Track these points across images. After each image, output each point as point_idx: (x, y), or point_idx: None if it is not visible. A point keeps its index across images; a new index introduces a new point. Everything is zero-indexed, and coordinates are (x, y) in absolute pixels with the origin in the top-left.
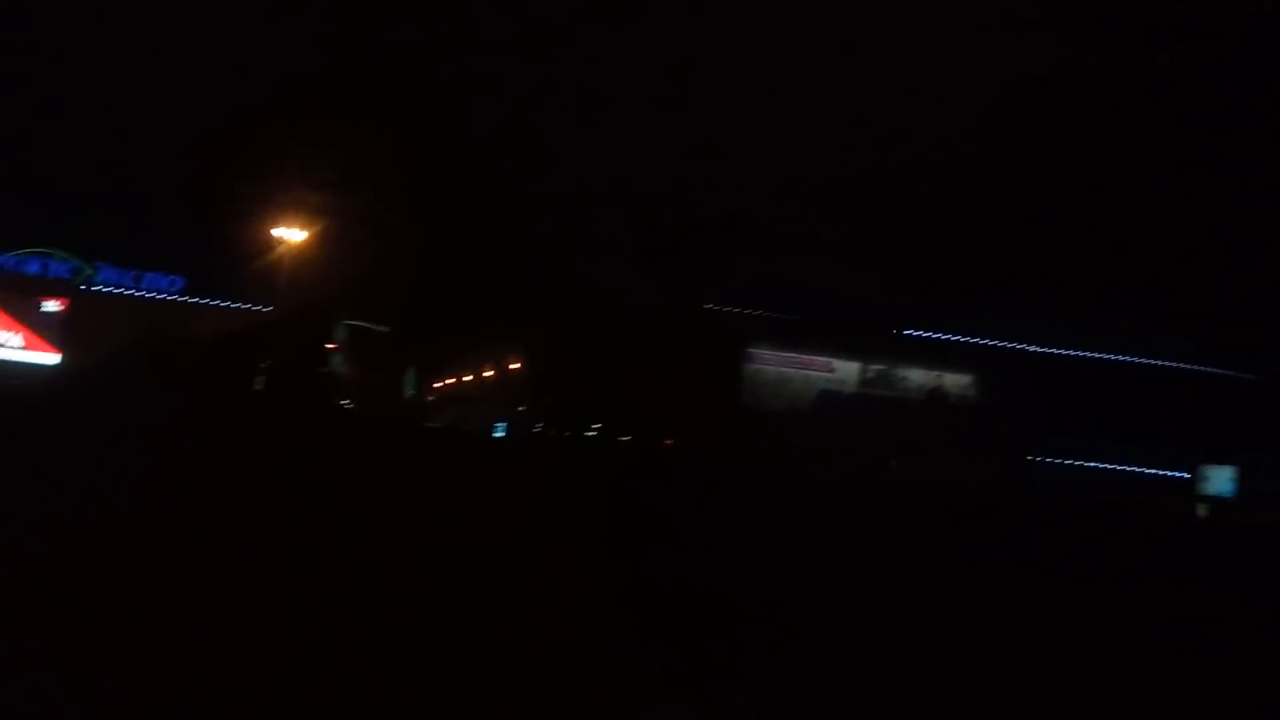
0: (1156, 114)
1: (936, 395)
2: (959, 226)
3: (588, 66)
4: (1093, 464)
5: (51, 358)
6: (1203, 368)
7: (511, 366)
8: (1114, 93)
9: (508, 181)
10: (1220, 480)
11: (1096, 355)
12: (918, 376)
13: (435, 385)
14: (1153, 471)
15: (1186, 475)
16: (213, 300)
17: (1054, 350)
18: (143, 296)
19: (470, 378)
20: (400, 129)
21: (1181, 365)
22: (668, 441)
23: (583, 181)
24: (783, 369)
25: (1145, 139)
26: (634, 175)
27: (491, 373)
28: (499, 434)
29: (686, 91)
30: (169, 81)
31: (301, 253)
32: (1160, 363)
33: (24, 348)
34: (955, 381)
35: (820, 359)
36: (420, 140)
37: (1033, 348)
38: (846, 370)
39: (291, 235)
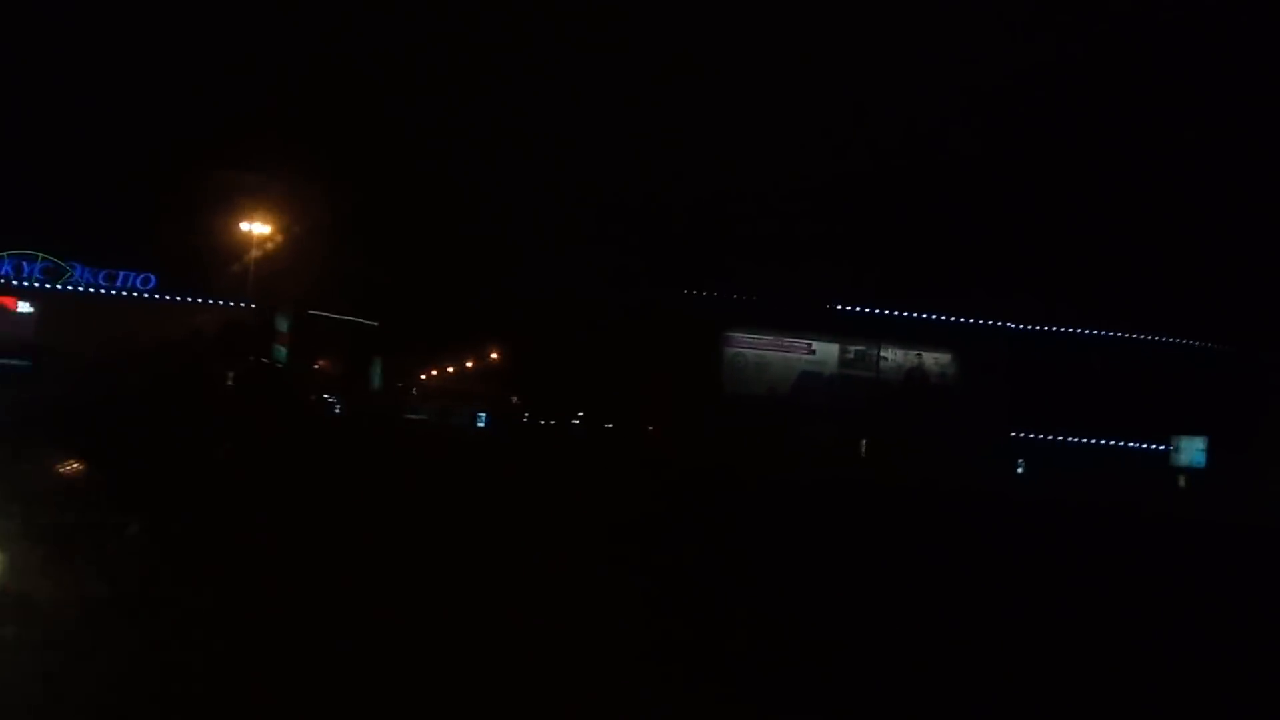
0: (1119, 103)
1: (915, 374)
2: (933, 210)
3: (568, 66)
4: (1070, 438)
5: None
6: (1174, 340)
7: (493, 358)
8: (1076, 82)
9: (489, 177)
10: (1192, 451)
11: (1069, 330)
12: (897, 356)
13: (421, 377)
14: (1128, 444)
15: (1162, 447)
16: (185, 298)
17: (1029, 327)
18: (115, 295)
19: (454, 370)
20: (379, 126)
21: (1153, 338)
22: (650, 428)
23: (563, 176)
24: (762, 352)
25: (1111, 126)
26: (611, 167)
27: (475, 364)
28: (480, 424)
29: (657, 86)
30: (138, 83)
31: (269, 249)
32: (1132, 336)
33: None
34: (934, 360)
35: (800, 341)
36: (400, 135)
37: (1010, 325)
38: (826, 352)
39: (259, 230)
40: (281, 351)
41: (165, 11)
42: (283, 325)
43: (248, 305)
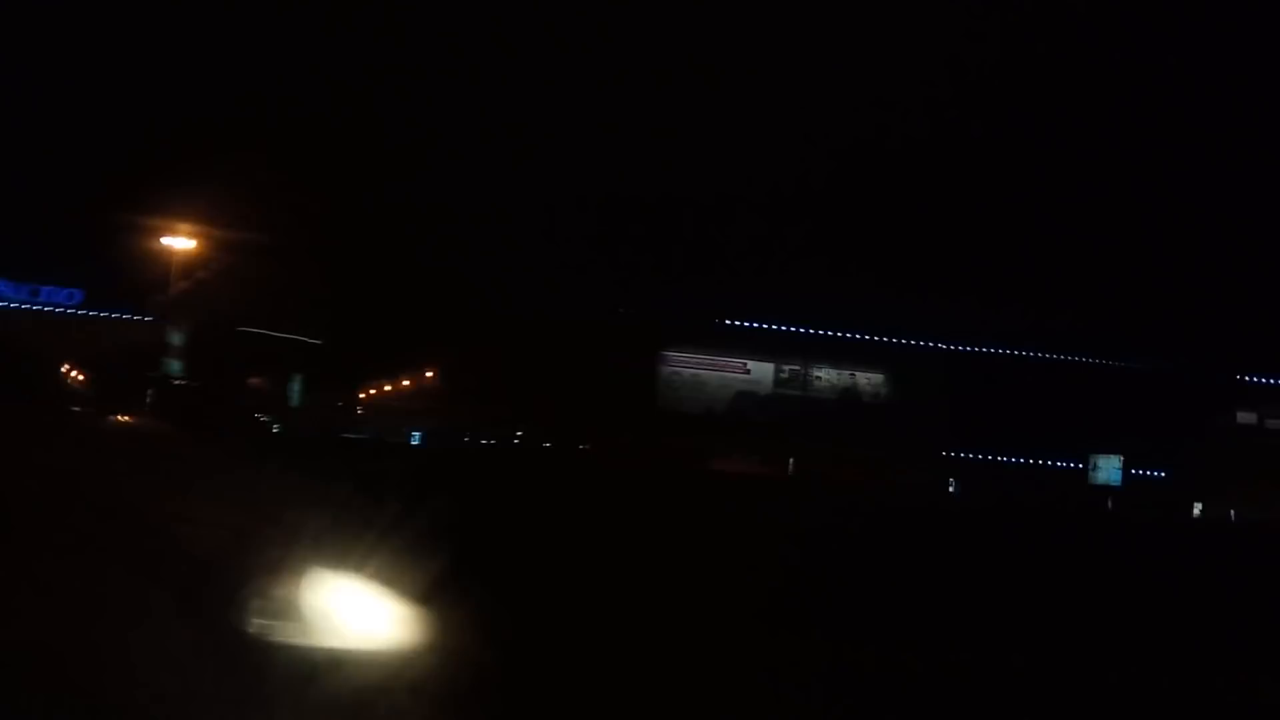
0: (1041, 132)
1: (849, 394)
2: (866, 230)
3: (503, 77)
4: (994, 457)
5: None
6: (1092, 359)
7: (429, 376)
8: (1002, 113)
9: (422, 192)
10: (1109, 469)
11: (1001, 350)
12: (830, 376)
13: (360, 396)
14: (1053, 463)
15: (1079, 464)
16: (112, 313)
17: (962, 347)
18: (39, 310)
19: (393, 389)
20: (312, 140)
21: (1070, 357)
22: (583, 447)
23: (499, 191)
24: (698, 372)
25: (1037, 153)
26: (550, 183)
27: (414, 383)
28: (415, 441)
29: (600, 97)
30: (65, 96)
31: (192, 264)
32: (1050, 355)
33: None
34: (867, 380)
35: (735, 361)
36: (329, 150)
37: (943, 345)
38: (761, 371)
39: (180, 245)
40: (174, 365)
41: (94, 25)
42: (176, 339)
43: (154, 321)
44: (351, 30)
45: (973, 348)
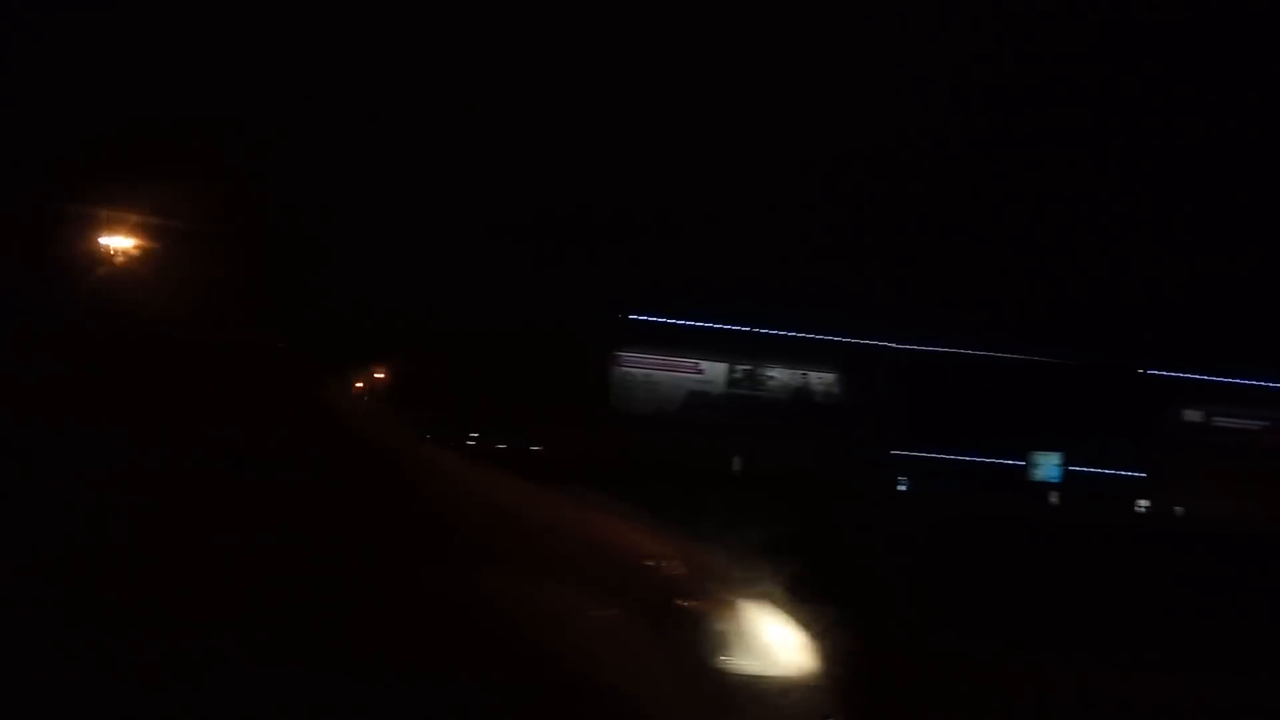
0: (996, 122)
1: (801, 393)
2: (817, 229)
3: (448, 73)
4: (948, 455)
5: None
6: (1029, 356)
7: (379, 376)
8: (950, 105)
9: (368, 190)
10: (1048, 466)
11: (951, 350)
12: (783, 375)
13: None
14: (990, 460)
15: (1021, 462)
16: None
17: (912, 346)
18: None
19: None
20: (260, 136)
21: (1009, 355)
22: (535, 447)
23: (448, 188)
24: (650, 372)
25: (988, 145)
26: (495, 179)
27: (365, 385)
28: None
29: (551, 97)
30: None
31: (133, 264)
32: (989, 353)
33: None
34: (819, 379)
35: (687, 361)
36: (287, 149)
37: (894, 344)
38: (713, 371)
39: (120, 244)
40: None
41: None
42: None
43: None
44: (305, 25)
45: (922, 346)
